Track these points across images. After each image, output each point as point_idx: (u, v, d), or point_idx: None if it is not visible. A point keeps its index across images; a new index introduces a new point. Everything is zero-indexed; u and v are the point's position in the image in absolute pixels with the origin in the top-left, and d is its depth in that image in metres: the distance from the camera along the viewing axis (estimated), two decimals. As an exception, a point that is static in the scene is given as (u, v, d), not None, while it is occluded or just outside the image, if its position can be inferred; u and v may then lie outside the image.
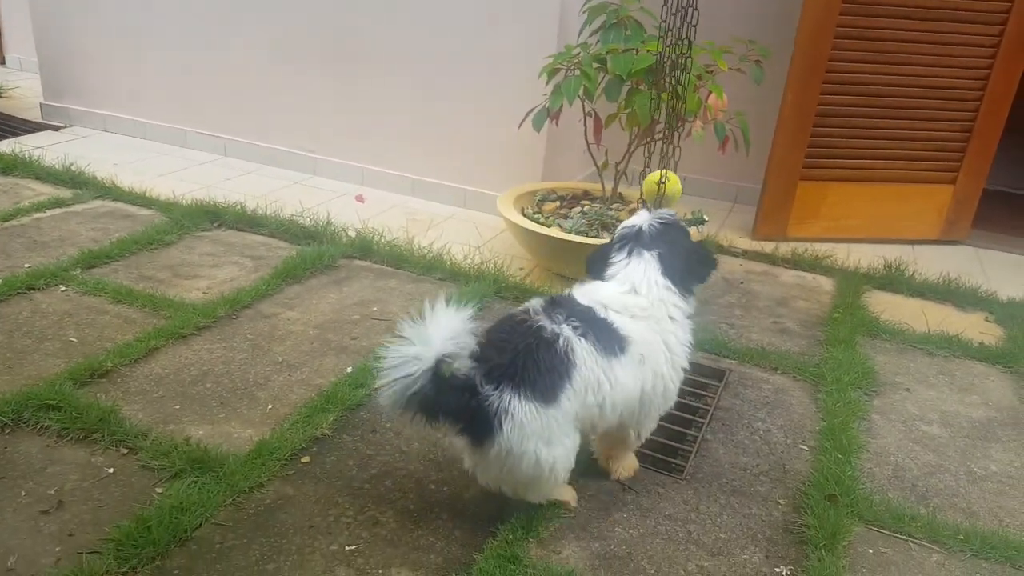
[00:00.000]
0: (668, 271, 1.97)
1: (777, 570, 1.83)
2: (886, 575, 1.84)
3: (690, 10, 2.65)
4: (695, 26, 2.67)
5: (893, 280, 3.52)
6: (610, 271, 2.00)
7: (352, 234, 3.47)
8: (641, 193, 2.86)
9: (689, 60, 2.74)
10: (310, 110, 4.33)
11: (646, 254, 1.98)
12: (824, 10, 3.58)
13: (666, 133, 2.85)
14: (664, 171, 2.76)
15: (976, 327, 3.17)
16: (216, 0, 4.31)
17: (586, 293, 1.95)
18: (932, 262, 3.79)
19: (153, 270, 3.09)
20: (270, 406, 2.30)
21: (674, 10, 2.66)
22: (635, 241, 2.00)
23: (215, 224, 3.55)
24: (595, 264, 2.08)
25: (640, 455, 2.18)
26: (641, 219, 2.04)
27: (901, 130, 3.88)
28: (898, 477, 2.21)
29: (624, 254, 2.00)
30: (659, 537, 1.91)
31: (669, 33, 2.71)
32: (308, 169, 4.43)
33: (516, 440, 1.71)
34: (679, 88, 2.80)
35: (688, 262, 2.01)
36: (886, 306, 3.28)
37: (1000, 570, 1.88)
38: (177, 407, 2.26)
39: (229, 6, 4.30)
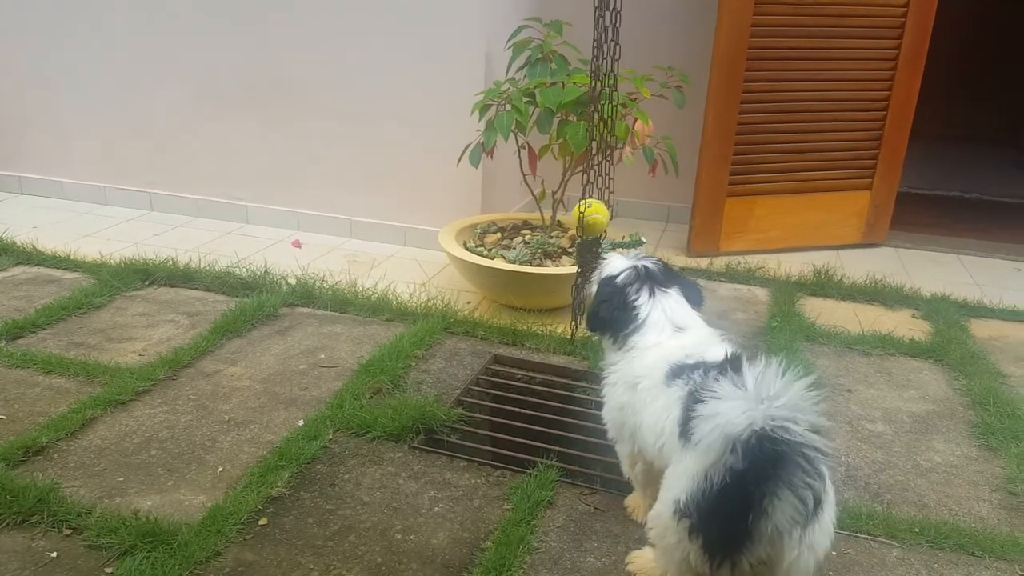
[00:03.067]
0: (694, 306, 1.97)
1: (748, 583, 1.86)
2: (851, 574, 1.89)
3: (613, 45, 2.73)
4: (618, 59, 2.76)
5: (824, 286, 3.66)
6: (640, 315, 1.92)
7: (292, 281, 3.41)
8: (579, 223, 2.83)
9: (615, 93, 2.82)
10: (239, 157, 4.26)
11: (671, 291, 1.95)
12: (736, 34, 3.74)
13: (598, 162, 2.90)
14: (586, 200, 2.78)
15: (905, 324, 3.31)
16: (134, 51, 4.22)
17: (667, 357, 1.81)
18: (857, 265, 3.95)
19: (84, 336, 2.96)
20: (220, 469, 2.22)
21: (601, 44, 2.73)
22: (651, 280, 1.96)
23: (146, 282, 3.43)
24: (615, 315, 1.95)
25: (603, 479, 2.21)
26: (630, 260, 2.01)
27: (817, 143, 4.06)
28: (851, 477, 2.27)
29: (646, 295, 1.94)
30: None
31: (599, 67, 2.78)
32: (240, 218, 4.35)
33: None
34: (607, 120, 2.85)
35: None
36: (820, 311, 3.39)
37: (956, 558, 1.95)
38: (121, 479, 2.16)
39: (147, 57, 4.21)
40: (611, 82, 2.77)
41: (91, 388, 2.59)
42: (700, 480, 1.49)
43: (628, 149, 3.25)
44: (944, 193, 5.45)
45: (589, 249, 2.85)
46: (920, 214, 4.82)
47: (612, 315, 1.96)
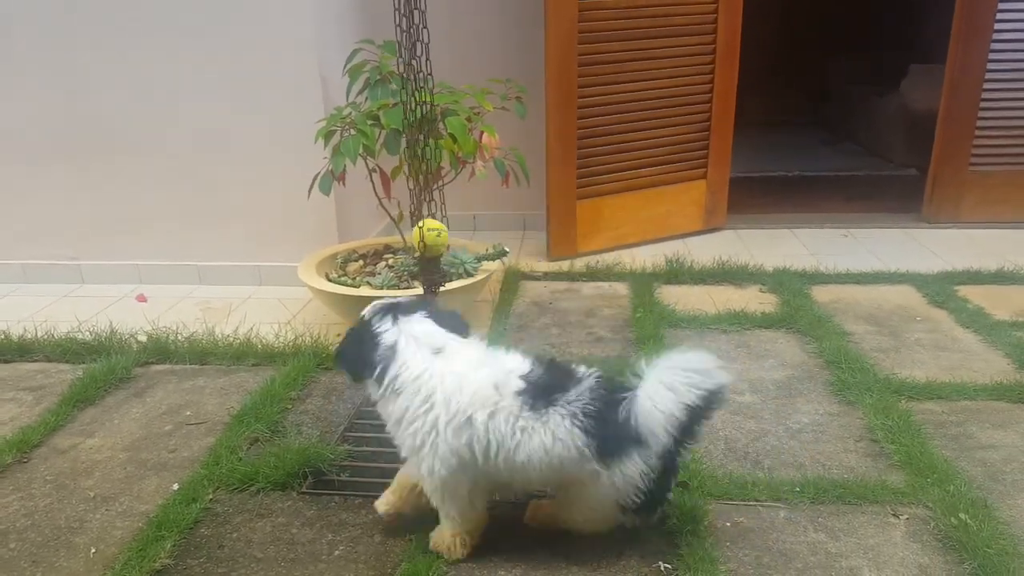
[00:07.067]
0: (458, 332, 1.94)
1: (655, 565, 1.92)
2: (747, 541, 2.00)
3: (419, 44, 2.65)
4: (430, 74, 2.69)
5: (677, 273, 3.85)
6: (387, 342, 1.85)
7: (143, 338, 3.19)
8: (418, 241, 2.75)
9: (430, 105, 2.77)
10: (63, 213, 3.93)
11: (415, 316, 1.90)
12: (564, 43, 3.88)
13: (421, 183, 2.87)
14: (423, 220, 2.72)
15: (755, 299, 3.55)
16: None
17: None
18: (703, 250, 4.19)
19: (-95, 432, 2.63)
20: (93, 550, 2.04)
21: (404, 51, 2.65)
22: (396, 310, 1.91)
23: (-25, 362, 3.10)
24: (361, 348, 1.87)
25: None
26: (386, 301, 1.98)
27: (652, 139, 4.28)
28: (731, 449, 2.40)
29: (390, 322, 1.88)
30: (541, 570, 1.93)
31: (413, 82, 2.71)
32: (75, 278, 4.01)
33: None
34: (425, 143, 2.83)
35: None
36: (677, 297, 3.57)
37: (836, 510, 2.11)
38: (-23, 582, 1.94)
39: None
40: (429, 97, 2.75)
41: (-77, 488, 2.30)
42: None
43: (479, 163, 3.29)
44: (770, 174, 5.91)
45: (431, 263, 2.85)
46: (753, 196, 5.19)
47: (359, 349, 1.88)
